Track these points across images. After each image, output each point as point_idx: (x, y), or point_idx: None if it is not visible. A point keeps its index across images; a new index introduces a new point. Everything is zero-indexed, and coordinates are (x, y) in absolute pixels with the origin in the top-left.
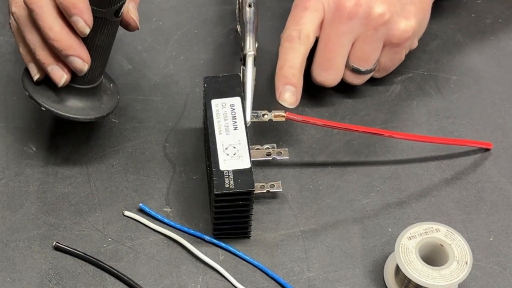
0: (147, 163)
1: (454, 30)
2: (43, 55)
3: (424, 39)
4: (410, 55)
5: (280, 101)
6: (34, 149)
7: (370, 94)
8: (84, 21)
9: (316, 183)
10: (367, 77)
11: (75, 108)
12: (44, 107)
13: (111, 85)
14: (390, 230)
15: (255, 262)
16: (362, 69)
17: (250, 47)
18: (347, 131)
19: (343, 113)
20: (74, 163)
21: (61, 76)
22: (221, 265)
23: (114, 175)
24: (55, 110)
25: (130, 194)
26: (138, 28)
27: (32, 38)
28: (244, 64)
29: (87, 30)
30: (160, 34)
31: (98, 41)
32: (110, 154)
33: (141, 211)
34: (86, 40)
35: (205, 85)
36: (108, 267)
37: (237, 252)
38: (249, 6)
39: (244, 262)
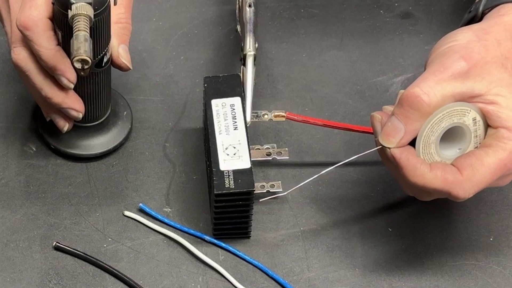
0: (147, 163)
1: (454, 30)
2: (44, 106)
3: (424, 39)
4: (410, 55)
5: None
6: (34, 149)
7: (370, 94)
8: (67, 79)
9: (316, 183)
10: None
11: (82, 145)
12: (53, 146)
13: (125, 113)
14: (390, 230)
15: (255, 262)
16: None
17: (250, 47)
18: (347, 131)
19: (343, 113)
20: (74, 163)
21: (63, 126)
22: (221, 265)
23: (114, 175)
24: (63, 149)
25: (130, 194)
26: (130, 69)
27: (32, 92)
28: (244, 64)
29: (71, 86)
30: (160, 34)
31: (87, 89)
32: (110, 154)
33: (141, 211)
34: (76, 90)
35: (205, 85)
36: (108, 267)
37: (237, 252)
38: (249, 6)
39: (244, 262)
